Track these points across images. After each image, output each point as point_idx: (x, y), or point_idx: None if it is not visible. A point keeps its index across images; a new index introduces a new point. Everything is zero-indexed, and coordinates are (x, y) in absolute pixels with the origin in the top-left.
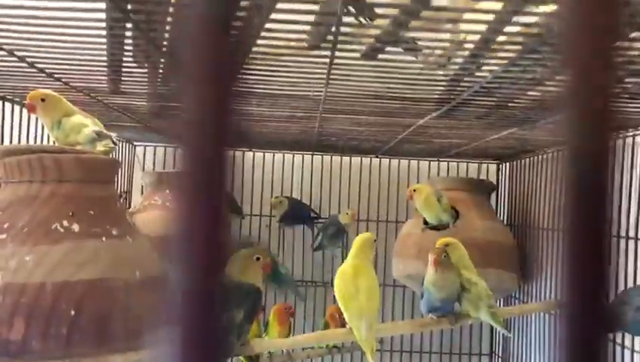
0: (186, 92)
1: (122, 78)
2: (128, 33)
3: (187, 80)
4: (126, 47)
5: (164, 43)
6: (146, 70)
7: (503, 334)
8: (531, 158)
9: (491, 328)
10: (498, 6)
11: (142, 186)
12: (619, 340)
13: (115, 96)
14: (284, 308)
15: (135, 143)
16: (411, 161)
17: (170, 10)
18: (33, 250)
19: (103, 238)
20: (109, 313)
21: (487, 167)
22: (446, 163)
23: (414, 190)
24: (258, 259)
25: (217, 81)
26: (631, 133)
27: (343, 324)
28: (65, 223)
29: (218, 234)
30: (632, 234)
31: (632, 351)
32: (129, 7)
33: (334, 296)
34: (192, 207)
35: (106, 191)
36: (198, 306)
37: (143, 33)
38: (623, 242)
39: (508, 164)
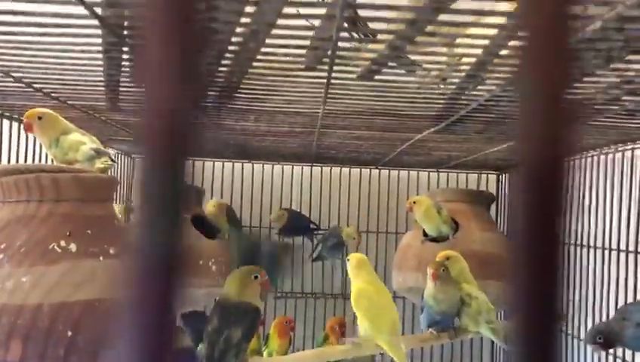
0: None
1: (120, 97)
2: (124, 55)
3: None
4: (123, 68)
5: None
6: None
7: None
8: None
9: (492, 340)
10: (493, 32)
11: None
12: (619, 354)
13: (113, 112)
14: (285, 322)
15: (134, 156)
16: (411, 171)
17: None
18: (30, 270)
19: (101, 258)
20: (106, 334)
21: (487, 177)
22: (446, 174)
23: (414, 202)
24: (256, 277)
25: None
26: (630, 147)
27: (343, 336)
28: (62, 243)
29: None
30: (631, 248)
31: None
32: (124, 32)
33: (334, 308)
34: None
35: (103, 209)
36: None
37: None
38: (622, 255)
39: (508, 174)
